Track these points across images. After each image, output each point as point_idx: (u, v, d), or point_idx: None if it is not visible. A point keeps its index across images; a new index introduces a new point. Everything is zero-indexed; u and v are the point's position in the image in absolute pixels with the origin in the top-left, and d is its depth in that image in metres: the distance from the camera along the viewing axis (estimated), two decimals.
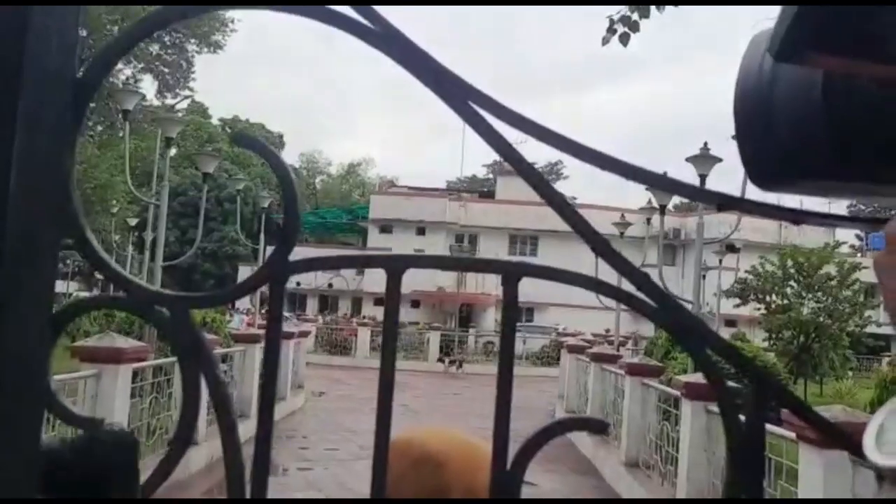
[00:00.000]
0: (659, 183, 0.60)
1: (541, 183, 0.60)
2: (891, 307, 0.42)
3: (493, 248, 38.51)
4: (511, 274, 0.61)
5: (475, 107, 0.59)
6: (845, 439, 0.57)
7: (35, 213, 0.59)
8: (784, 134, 0.48)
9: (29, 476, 0.58)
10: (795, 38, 0.40)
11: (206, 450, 9.10)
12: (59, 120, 0.61)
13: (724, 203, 0.60)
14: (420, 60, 0.59)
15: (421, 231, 39.71)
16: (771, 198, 0.62)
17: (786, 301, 16.69)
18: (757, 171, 0.52)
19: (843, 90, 0.46)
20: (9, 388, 0.56)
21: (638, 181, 0.60)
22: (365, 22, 0.59)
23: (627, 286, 0.63)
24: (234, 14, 31.67)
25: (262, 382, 0.61)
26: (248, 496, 0.60)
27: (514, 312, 0.61)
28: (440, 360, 25.06)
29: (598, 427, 0.61)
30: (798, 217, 0.58)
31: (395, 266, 0.62)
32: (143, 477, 0.63)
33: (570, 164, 63.55)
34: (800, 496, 4.67)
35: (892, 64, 0.41)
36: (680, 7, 5.89)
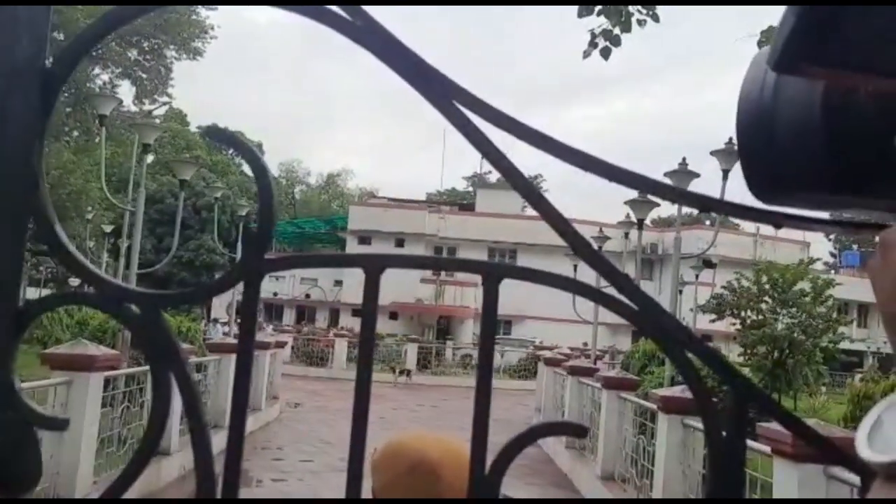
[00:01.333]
0: (640, 184, 0.60)
1: (523, 183, 0.59)
2: (884, 314, 0.43)
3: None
4: (491, 274, 0.60)
5: (459, 106, 0.58)
6: (823, 444, 0.56)
7: (2, 204, 0.57)
8: (784, 148, 0.50)
9: None
10: (793, 51, 0.41)
11: (178, 460, 8.97)
12: (27, 110, 0.59)
13: (705, 205, 0.59)
14: (403, 57, 0.58)
15: (400, 243, 39.65)
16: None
17: (761, 316, 16.84)
18: (757, 183, 0.53)
19: (842, 105, 0.47)
20: None
21: (620, 182, 0.59)
22: (346, 16, 0.58)
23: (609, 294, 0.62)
24: (215, 20, 31.56)
25: (235, 380, 0.59)
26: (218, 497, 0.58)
27: (494, 313, 0.60)
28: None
29: (576, 431, 0.60)
30: (778, 220, 0.58)
31: (374, 265, 0.61)
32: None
33: (549, 178, 63.92)
34: None
35: (888, 77, 0.41)
36: (660, 22, 5.95)
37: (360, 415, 0.61)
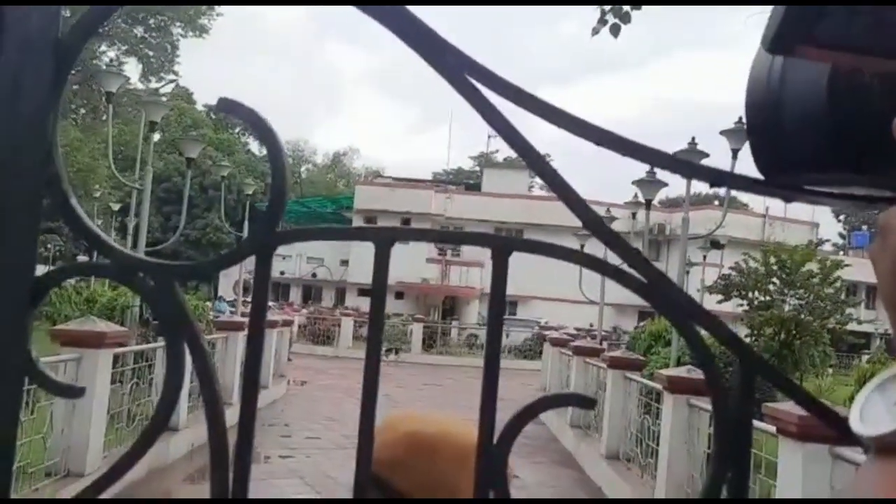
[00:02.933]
0: (654, 159, 0.60)
1: (537, 159, 0.59)
2: (884, 296, 0.43)
3: None
4: (500, 248, 0.61)
5: (472, 80, 0.58)
6: (828, 415, 0.57)
7: (16, 177, 0.58)
8: (791, 128, 0.51)
9: (8, 446, 0.57)
10: (786, 33, 0.42)
11: (186, 436, 9.06)
12: (40, 83, 0.59)
13: (718, 179, 0.59)
14: (415, 29, 0.57)
15: (406, 222, 39.60)
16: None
17: (768, 298, 16.82)
18: (765, 163, 0.55)
19: (847, 86, 0.48)
20: None
21: (634, 157, 0.59)
22: None
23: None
24: None
25: (247, 354, 0.60)
26: (231, 473, 0.59)
27: (503, 288, 0.61)
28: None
29: (583, 402, 0.60)
30: (789, 195, 0.58)
31: (383, 238, 0.61)
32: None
33: (556, 161, 63.58)
34: (778, 489, 4.72)
35: (886, 58, 0.42)
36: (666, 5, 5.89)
37: (370, 388, 0.61)
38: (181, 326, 0.59)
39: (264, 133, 0.60)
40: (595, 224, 0.60)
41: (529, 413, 0.59)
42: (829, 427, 0.55)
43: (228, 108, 0.61)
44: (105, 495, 0.59)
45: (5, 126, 0.56)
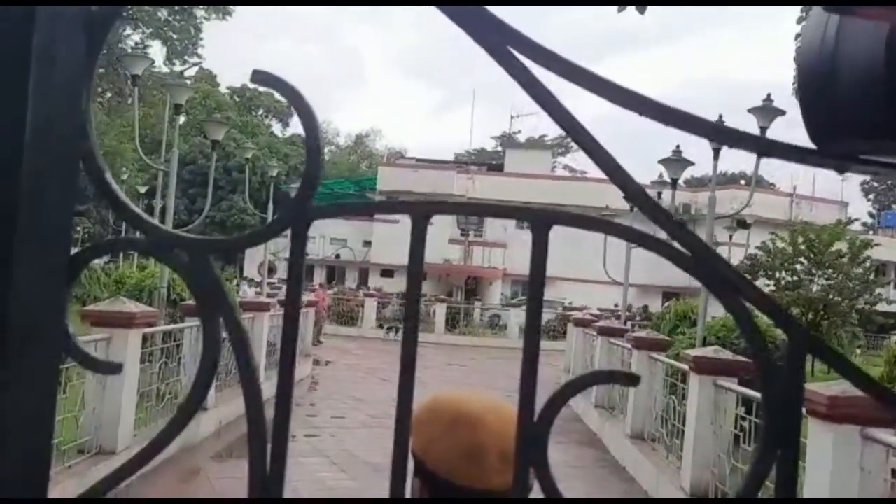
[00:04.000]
0: (698, 127, 0.58)
1: (581, 132, 0.57)
2: None
3: (501, 221, 38.43)
4: (540, 221, 0.59)
5: (515, 52, 0.56)
6: (887, 396, 0.55)
7: (51, 149, 0.57)
8: (846, 95, 0.51)
9: (47, 419, 0.57)
10: None
11: (214, 415, 9.20)
12: (73, 55, 0.59)
13: (768, 149, 0.57)
14: None
15: None
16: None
17: (795, 278, 16.61)
18: (818, 131, 0.54)
19: None
20: (26, 328, 0.55)
21: (677, 126, 0.58)
22: None
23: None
24: None
25: (283, 329, 0.59)
26: (269, 449, 0.58)
27: (543, 262, 0.59)
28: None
29: (628, 379, 0.59)
30: (843, 164, 0.56)
31: (420, 212, 0.60)
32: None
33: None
34: (808, 470, 4.67)
35: None
36: None
37: (408, 364, 0.60)
38: (217, 301, 0.58)
39: (299, 105, 0.59)
40: (638, 195, 0.58)
41: (571, 389, 0.58)
42: (887, 409, 0.54)
43: (263, 80, 0.60)
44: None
45: (40, 97, 0.56)
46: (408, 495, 1.04)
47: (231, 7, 31.02)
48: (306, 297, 18.12)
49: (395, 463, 0.58)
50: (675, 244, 0.59)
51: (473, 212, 0.65)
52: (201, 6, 30.18)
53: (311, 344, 19.21)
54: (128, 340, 7.09)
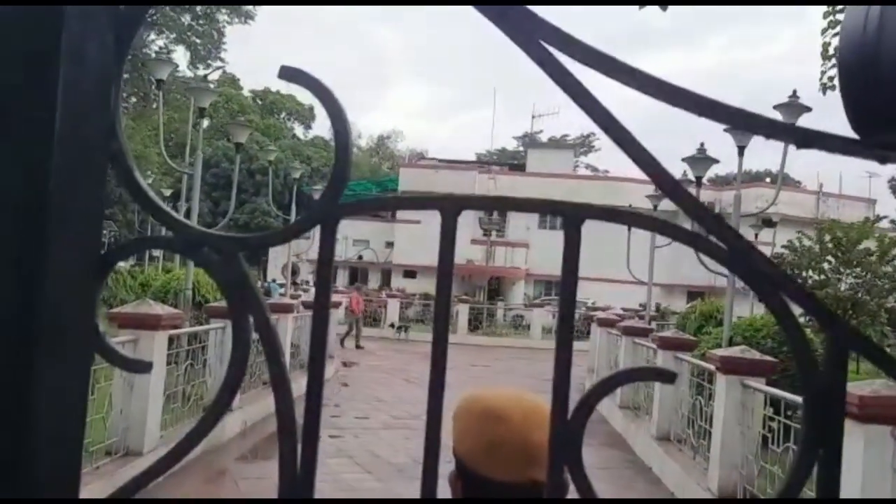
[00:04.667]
0: (733, 118, 0.56)
1: (615, 126, 0.56)
2: None
3: (523, 222, 38.33)
4: (572, 216, 0.58)
5: (546, 45, 0.55)
6: None
7: (81, 149, 0.57)
8: (890, 84, 0.50)
9: (78, 415, 0.57)
10: None
11: (239, 416, 9.26)
12: (102, 54, 0.59)
13: (805, 140, 0.56)
14: None
15: None
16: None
17: (823, 277, 16.33)
18: (861, 121, 0.53)
19: None
20: (57, 327, 0.55)
21: (711, 118, 0.56)
22: None
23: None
24: None
25: (312, 328, 0.59)
26: (300, 447, 0.58)
27: (576, 259, 0.58)
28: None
29: (664, 377, 0.58)
30: (886, 155, 0.54)
31: (451, 207, 0.59)
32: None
33: (602, 137, 62.84)
34: None
35: None
36: None
37: (439, 364, 0.60)
38: (247, 299, 0.58)
39: (327, 101, 0.58)
40: (674, 190, 0.57)
41: (605, 387, 0.57)
42: None
43: (291, 76, 0.59)
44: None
45: (69, 97, 0.56)
46: (445, 490, 1.06)
47: (253, 10, 31.28)
48: (338, 298, 18.17)
49: (427, 462, 0.58)
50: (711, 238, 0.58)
51: (504, 206, 0.64)
52: (224, 9, 30.47)
53: (356, 347, 19.70)
54: (154, 342, 7.16)
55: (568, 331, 0.58)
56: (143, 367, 0.61)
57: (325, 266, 0.61)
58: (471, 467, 1.09)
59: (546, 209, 0.60)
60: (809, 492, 0.54)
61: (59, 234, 0.55)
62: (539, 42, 0.55)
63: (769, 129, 0.57)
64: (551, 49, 0.55)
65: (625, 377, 0.57)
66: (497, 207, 0.61)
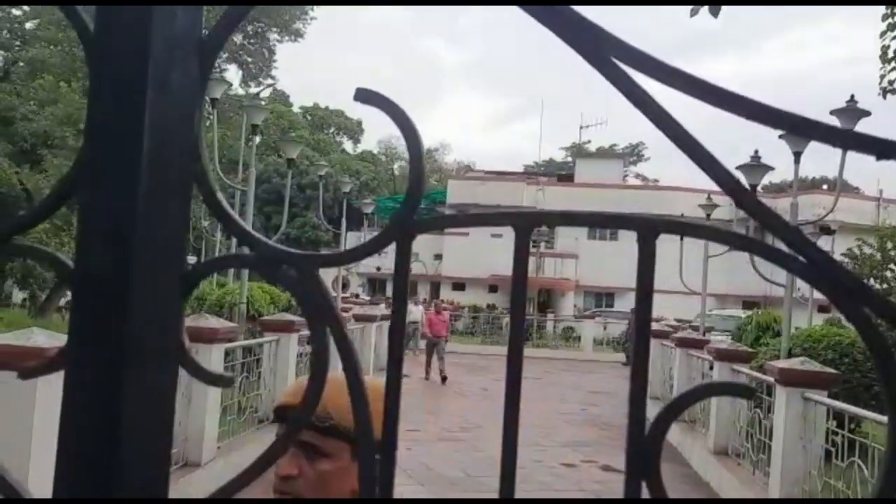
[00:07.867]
0: (810, 131, 0.56)
1: (692, 145, 0.55)
2: None
3: (572, 233, 38.03)
4: (647, 230, 0.58)
5: (618, 62, 0.55)
6: None
7: (166, 173, 0.60)
8: None
9: (166, 425, 0.59)
10: None
11: None
12: (186, 81, 0.61)
13: (885, 150, 0.55)
14: (554, 10, 0.56)
15: None
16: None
17: (885, 286, 15.79)
18: None
19: None
20: (144, 343, 0.57)
21: (789, 130, 0.56)
22: None
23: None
24: None
25: (390, 337, 0.60)
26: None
27: (651, 273, 0.58)
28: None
29: (744, 392, 0.57)
30: None
31: (524, 223, 0.60)
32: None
33: (651, 146, 62.09)
34: None
35: None
36: None
37: (514, 377, 0.60)
38: (325, 315, 0.59)
39: (401, 121, 0.60)
40: (750, 202, 0.56)
41: (683, 403, 0.57)
42: None
43: (365, 98, 0.61)
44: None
45: (156, 123, 0.58)
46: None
47: (302, 29, 31.88)
48: (382, 311, 18.22)
49: (504, 465, 0.58)
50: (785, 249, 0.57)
51: (573, 222, 0.64)
52: (275, 28, 31.14)
53: (441, 377, 16.84)
54: (211, 355, 7.31)
55: (644, 346, 0.58)
56: (226, 381, 0.63)
57: (402, 279, 0.62)
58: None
59: (620, 224, 0.60)
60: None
61: (145, 252, 0.57)
62: (612, 60, 0.55)
63: (843, 139, 0.56)
64: (623, 66, 0.55)
65: (704, 392, 0.56)
66: (576, 223, 0.61)
